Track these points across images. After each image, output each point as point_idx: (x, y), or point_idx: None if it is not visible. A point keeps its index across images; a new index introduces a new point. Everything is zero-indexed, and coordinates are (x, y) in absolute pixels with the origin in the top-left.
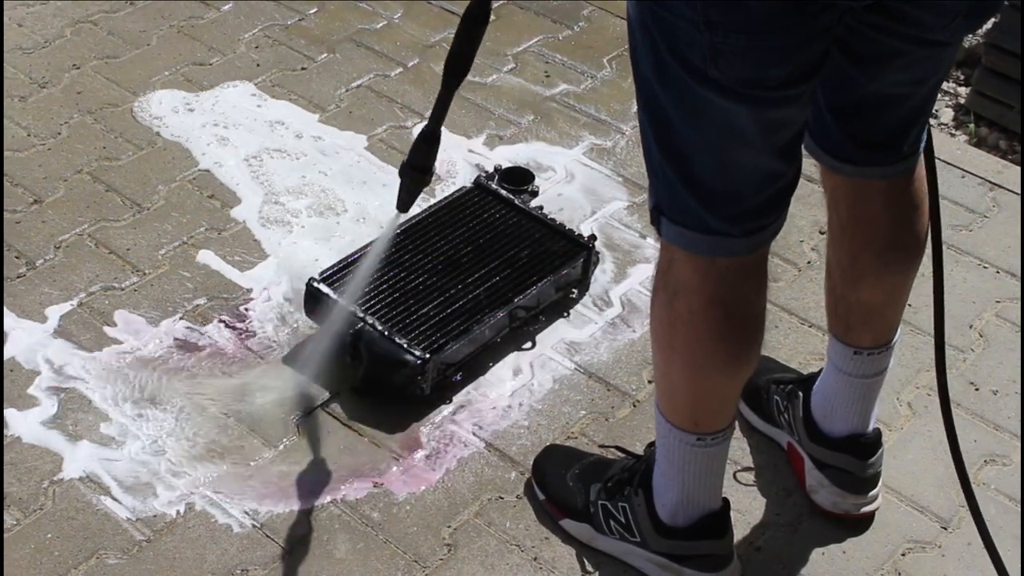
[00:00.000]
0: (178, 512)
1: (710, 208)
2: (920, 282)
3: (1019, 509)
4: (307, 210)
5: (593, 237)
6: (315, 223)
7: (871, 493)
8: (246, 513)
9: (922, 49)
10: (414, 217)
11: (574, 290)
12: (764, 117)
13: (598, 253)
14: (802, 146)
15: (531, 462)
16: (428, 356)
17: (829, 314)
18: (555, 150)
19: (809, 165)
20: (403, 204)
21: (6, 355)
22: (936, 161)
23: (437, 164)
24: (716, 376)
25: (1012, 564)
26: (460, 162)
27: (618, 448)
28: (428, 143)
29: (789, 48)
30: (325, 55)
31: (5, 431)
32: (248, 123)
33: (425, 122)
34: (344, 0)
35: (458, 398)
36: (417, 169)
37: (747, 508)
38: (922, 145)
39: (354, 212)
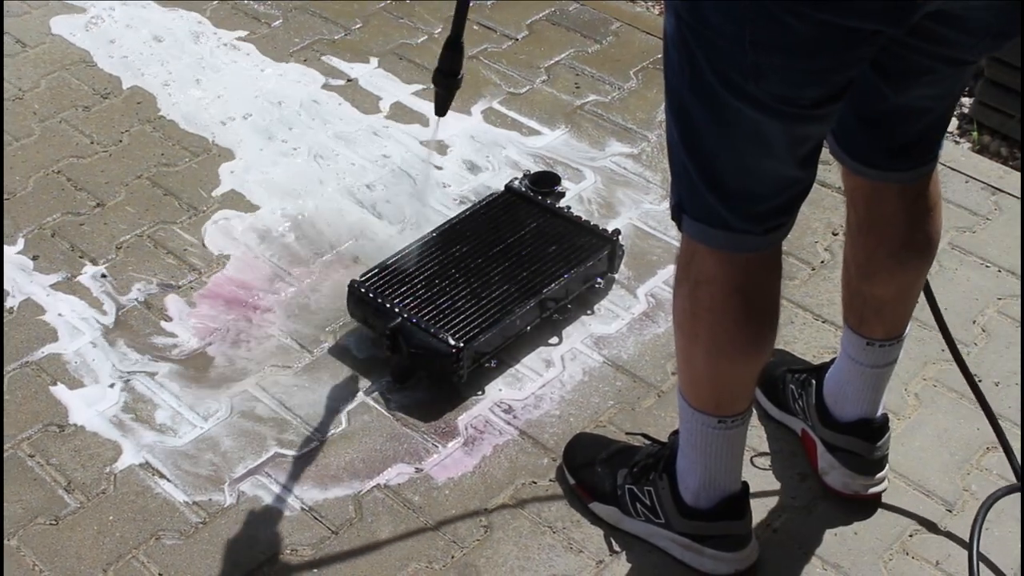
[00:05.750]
0: (231, 496)
1: (731, 208)
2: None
3: (1019, 495)
4: (353, 209)
5: (617, 231)
6: (363, 221)
7: (879, 475)
8: (296, 497)
9: (949, 68)
10: (449, 220)
11: (599, 280)
12: (793, 131)
13: (622, 246)
14: (822, 151)
15: (562, 449)
16: (462, 345)
17: (844, 306)
18: (585, 155)
19: (823, 171)
20: (440, 108)
21: (69, 351)
22: (941, 166)
23: (472, 169)
24: (737, 360)
25: (1013, 550)
26: (492, 165)
27: (644, 436)
28: (453, 50)
29: (826, 71)
30: (369, 67)
31: (69, 419)
32: (298, 130)
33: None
34: (386, 15)
35: (493, 390)
36: (446, 74)
37: (764, 492)
38: (939, 154)
39: (399, 212)
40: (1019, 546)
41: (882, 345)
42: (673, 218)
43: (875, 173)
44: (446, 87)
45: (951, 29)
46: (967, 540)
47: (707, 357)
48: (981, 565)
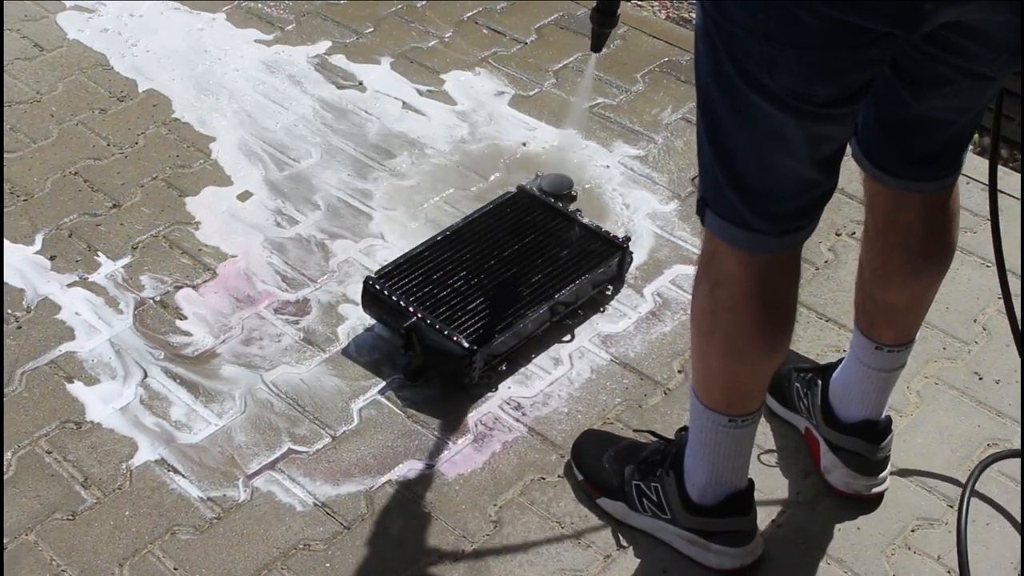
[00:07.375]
0: (245, 492)
1: (750, 206)
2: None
3: (1019, 490)
4: (362, 209)
5: (627, 238)
6: (372, 221)
7: (881, 475)
8: (308, 493)
9: (968, 80)
10: (462, 220)
11: (610, 287)
12: (809, 130)
13: (631, 253)
14: (843, 157)
15: (570, 446)
16: (476, 348)
17: (856, 309)
18: (593, 157)
19: None
20: (596, 45)
21: (86, 349)
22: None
23: (486, 171)
24: (752, 361)
25: (1013, 543)
26: (504, 168)
27: (651, 432)
28: None
29: (837, 69)
30: (381, 70)
31: (86, 417)
32: (309, 131)
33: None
34: (397, 19)
35: (503, 387)
36: (603, 12)
37: (769, 488)
38: (961, 166)
39: (410, 211)
40: (1019, 544)
41: (891, 350)
42: (697, 212)
43: (893, 181)
44: (601, 24)
45: (971, 41)
46: (968, 533)
47: (722, 357)
48: (982, 559)
